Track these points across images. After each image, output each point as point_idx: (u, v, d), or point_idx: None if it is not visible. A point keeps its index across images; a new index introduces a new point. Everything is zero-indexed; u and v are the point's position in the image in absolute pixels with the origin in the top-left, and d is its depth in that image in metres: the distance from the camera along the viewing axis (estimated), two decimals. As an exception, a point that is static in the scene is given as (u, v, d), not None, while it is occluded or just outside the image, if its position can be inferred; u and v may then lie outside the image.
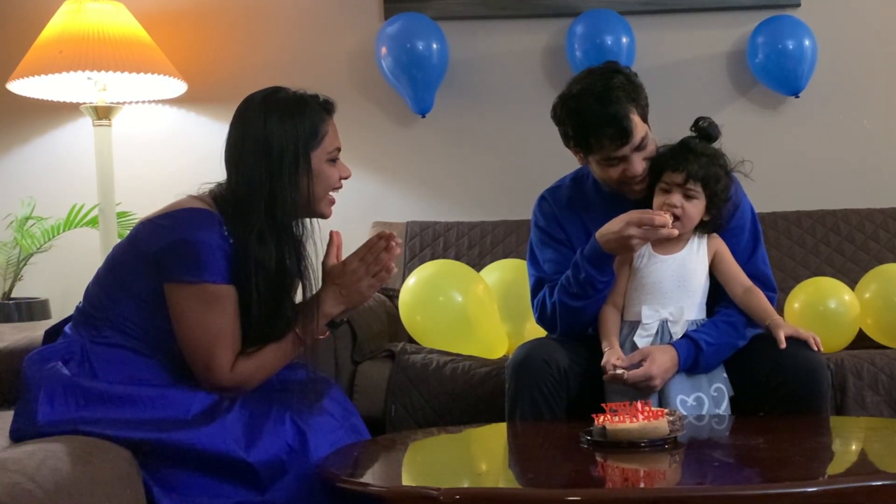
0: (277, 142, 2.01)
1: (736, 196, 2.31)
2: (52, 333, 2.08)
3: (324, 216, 2.10)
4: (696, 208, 2.22)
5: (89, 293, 2.05)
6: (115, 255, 2.05)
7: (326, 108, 2.09)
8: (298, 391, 2.04)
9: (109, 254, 2.08)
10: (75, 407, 1.87)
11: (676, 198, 2.21)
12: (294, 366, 2.14)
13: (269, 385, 2.06)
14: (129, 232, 2.07)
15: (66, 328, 2.04)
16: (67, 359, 1.95)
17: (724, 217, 2.29)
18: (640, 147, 2.27)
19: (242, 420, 1.93)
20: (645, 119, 2.30)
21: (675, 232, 2.16)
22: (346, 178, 2.12)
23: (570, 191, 2.47)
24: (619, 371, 2.13)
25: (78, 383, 1.90)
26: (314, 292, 2.07)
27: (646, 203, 2.28)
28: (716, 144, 2.29)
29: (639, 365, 2.15)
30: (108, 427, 1.85)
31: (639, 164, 2.27)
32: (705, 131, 2.27)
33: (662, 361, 2.16)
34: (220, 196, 2.04)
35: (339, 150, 2.09)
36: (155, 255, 1.96)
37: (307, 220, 2.10)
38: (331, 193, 2.10)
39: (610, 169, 2.29)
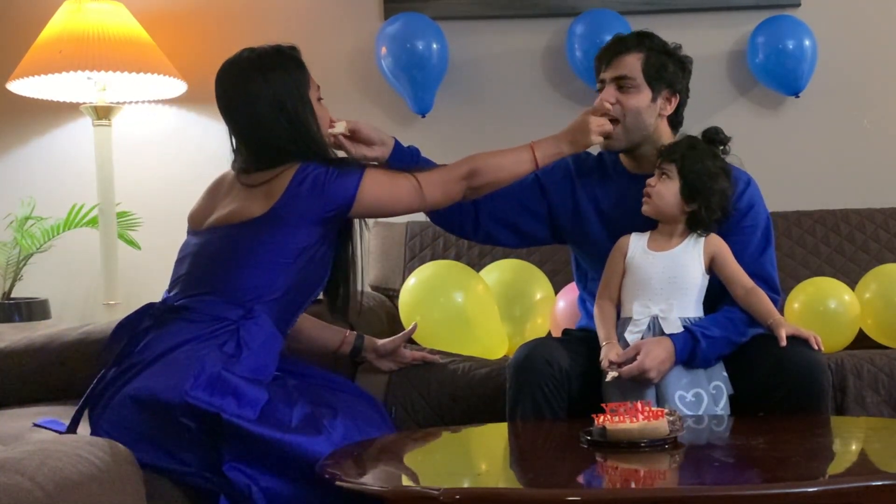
0: (285, 93, 2.11)
1: (752, 196, 2.39)
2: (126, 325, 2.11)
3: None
4: (666, 188, 2.29)
5: (229, 286, 2.08)
6: (260, 256, 2.10)
7: (298, 53, 2.20)
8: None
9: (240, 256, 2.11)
10: (211, 394, 1.93)
11: (652, 179, 2.32)
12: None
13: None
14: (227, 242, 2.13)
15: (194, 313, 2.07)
16: (223, 342, 2.01)
17: (718, 215, 2.31)
18: (620, 82, 2.38)
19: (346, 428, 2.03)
20: (652, 83, 2.39)
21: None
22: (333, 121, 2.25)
23: (594, 161, 2.56)
24: (614, 372, 2.16)
25: (222, 376, 1.95)
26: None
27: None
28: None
29: (634, 360, 2.17)
30: (242, 420, 1.92)
31: (608, 94, 2.39)
32: (708, 135, 2.36)
33: (657, 354, 2.17)
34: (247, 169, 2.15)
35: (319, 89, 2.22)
36: (320, 204, 2.07)
37: None
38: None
39: (600, 93, 2.42)
